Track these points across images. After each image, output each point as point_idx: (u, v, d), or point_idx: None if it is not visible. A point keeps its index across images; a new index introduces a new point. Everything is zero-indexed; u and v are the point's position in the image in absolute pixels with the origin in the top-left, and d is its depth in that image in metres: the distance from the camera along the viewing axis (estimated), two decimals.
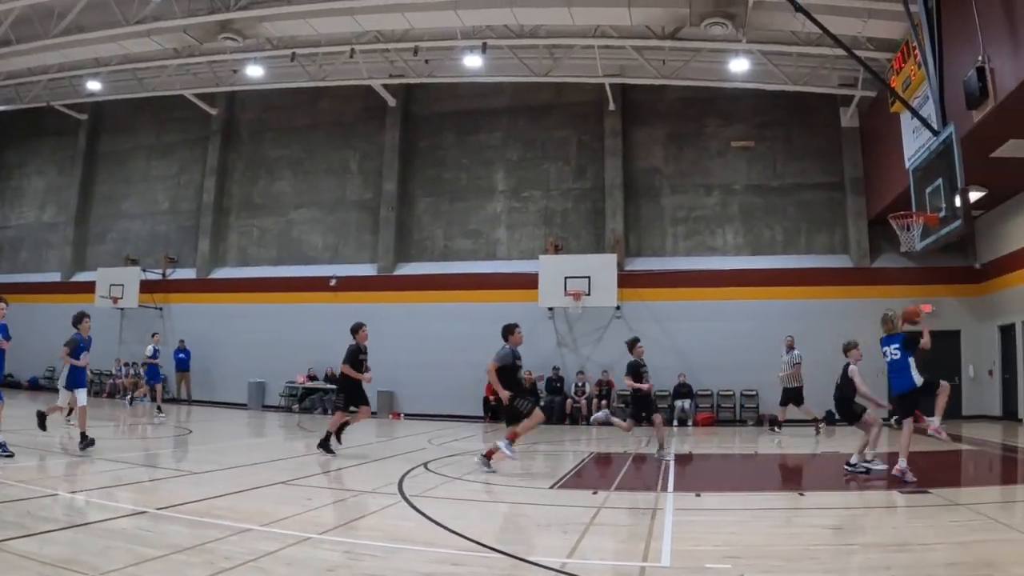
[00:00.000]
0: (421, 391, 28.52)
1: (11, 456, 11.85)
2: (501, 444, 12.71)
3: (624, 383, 16.03)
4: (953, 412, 25.53)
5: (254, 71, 27.83)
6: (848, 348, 13.87)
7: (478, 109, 31.44)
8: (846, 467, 12.90)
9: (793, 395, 21.46)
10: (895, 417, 23.75)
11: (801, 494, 11.00)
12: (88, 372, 16.55)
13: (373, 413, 27.99)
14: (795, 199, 28.56)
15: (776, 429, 22.01)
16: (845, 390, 13.64)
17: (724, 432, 23.81)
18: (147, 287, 32.45)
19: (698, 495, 10.96)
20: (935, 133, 16.86)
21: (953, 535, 7.97)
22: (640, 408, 15.94)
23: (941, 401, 12.66)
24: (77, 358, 14.60)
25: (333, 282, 30.65)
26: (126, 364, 31.06)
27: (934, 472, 12.66)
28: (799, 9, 16.39)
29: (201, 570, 6.20)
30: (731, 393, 26.71)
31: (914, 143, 20.42)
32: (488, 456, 12.85)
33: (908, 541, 7.78)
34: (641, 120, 30.07)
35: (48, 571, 5.93)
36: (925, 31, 17.01)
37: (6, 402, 12.99)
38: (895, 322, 12.99)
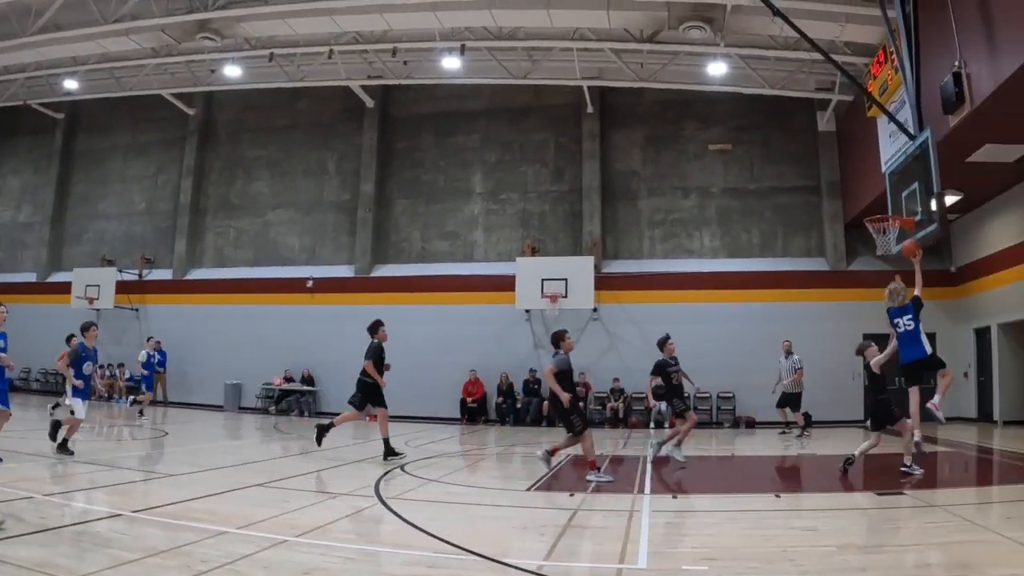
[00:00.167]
0: (398, 393, 28.35)
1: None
2: (591, 476, 12.35)
3: (642, 384, 15.67)
4: (929, 414, 25.71)
5: (232, 71, 27.76)
6: (863, 349, 13.84)
7: (456, 111, 31.43)
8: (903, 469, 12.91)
9: (793, 399, 21.44)
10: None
11: (778, 496, 11.02)
12: (96, 383, 16.34)
13: None
14: (772, 202, 28.67)
15: (787, 431, 21.82)
16: (879, 391, 13.67)
17: (701, 434, 23.81)
18: (123, 288, 32.24)
19: (675, 497, 11.01)
20: (911, 137, 16.96)
21: (929, 536, 8.02)
22: (677, 398, 15.71)
23: (946, 381, 12.79)
24: (80, 368, 14.33)
25: (310, 283, 30.57)
26: (101, 366, 30.91)
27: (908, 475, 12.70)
28: (777, 13, 16.44)
29: (177, 573, 6.18)
30: (707, 395, 26.76)
31: (891, 147, 20.53)
32: (592, 467, 12.66)
33: (884, 543, 7.83)
34: (619, 123, 30.12)
35: (23, 575, 5.90)
36: (902, 36, 17.12)
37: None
38: (903, 294, 13.10)
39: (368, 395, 15.62)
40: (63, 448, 13.41)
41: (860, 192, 25.33)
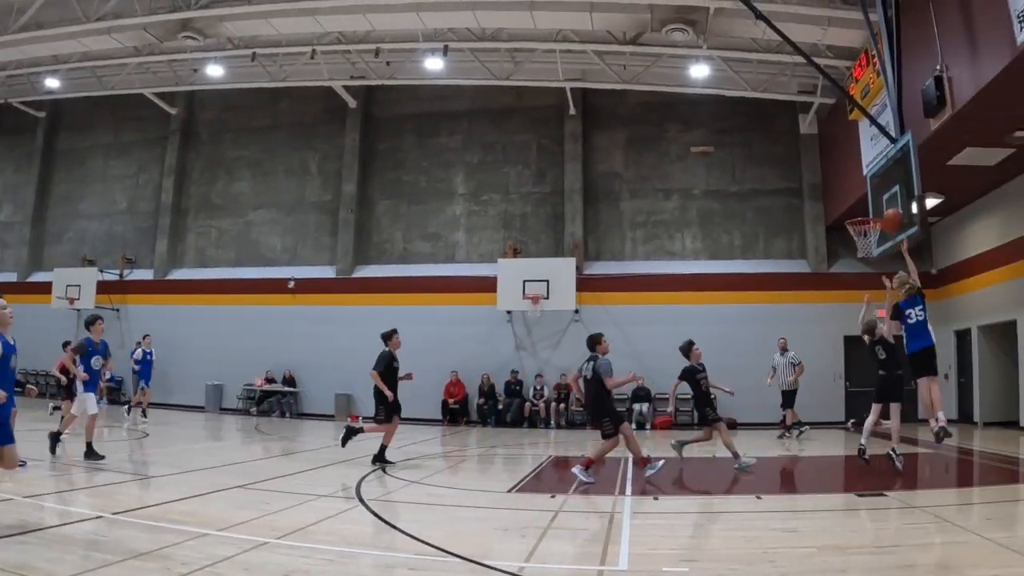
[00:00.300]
0: None
1: (24, 464, 11.07)
2: (577, 470, 12.38)
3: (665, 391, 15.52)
4: (910, 416, 25.80)
5: (214, 71, 27.68)
6: (874, 326, 14.36)
7: (438, 112, 31.41)
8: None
9: (789, 397, 21.46)
10: (852, 421, 24.14)
11: (759, 497, 11.05)
12: (104, 378, 16.12)
13: (331, 416, 28.00)
14: (753, 204, 28.74)
15: (795, 431, 21.76)
16: (896, 366, 14.10)
17: (681, 435, 23.87)
18: (104, 288, 32.10)
19: (656, 498, 11.00)
20: (893, 141, 17.02)
21: (909, 538, 8.07)
22: (708, 407, 15.64)
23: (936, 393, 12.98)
24: (88, 363, 14.03)
25: (291, 284, 30.50)
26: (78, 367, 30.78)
27: (890, 475, 12.75)
28: (759, 16, 16.48)
29: (158, 575, 6.18)
30: (688, 397, 26.73)
31: (872, 150, 20.61)
32: (586, 465, 12.58)
33: (865, 544, 7.86)
34: (601, 124, 30.17)
35: None
36: (884, 40, 17.17)
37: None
38: (907, 283, 13.38)
39: (388, 404, 15.12)
40: (91, 454, 13.14)
41: (841, 194, 25.41)
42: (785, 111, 28.32)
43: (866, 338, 14.74)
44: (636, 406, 26.24)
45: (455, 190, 30.96)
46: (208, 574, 6.26)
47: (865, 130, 21.57)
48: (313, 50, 26.08)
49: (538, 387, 27.47)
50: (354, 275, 30.64)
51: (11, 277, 34.87)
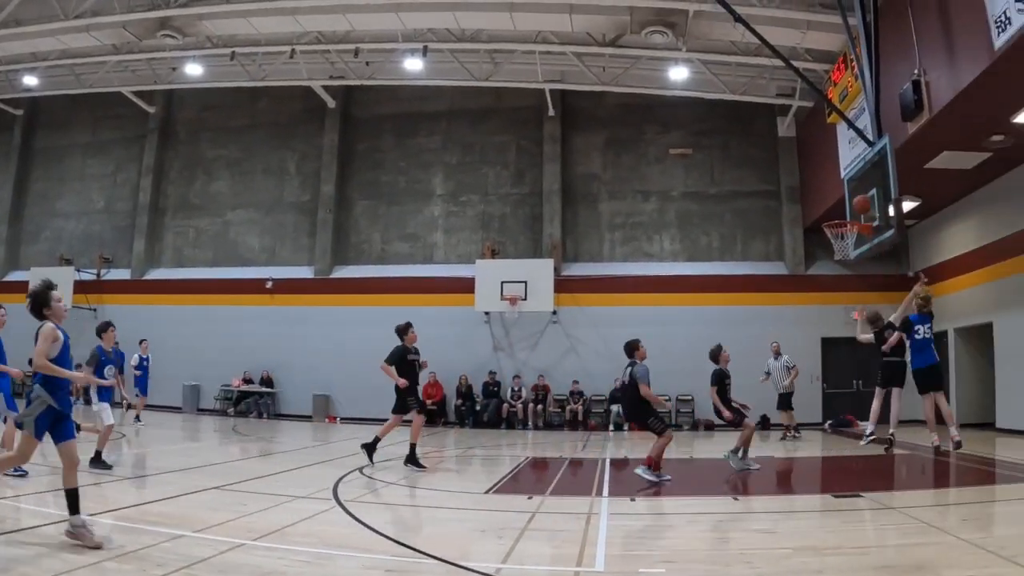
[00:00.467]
0: (357, 395, 28.39)
1: (24, 474, 10.83)
2: (640, 470, 12.52)
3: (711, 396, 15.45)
4: (886, 417, 25.91)
5: (193, 69, 27.57)
6: (877, 316, 14.76)
7: (418, 112, 31.41)
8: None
9: (786, 399, 21.52)
10: (829, 422, 24.27)
11: (736, 498, 11.08)
12: (120, 391, 15.90)
13: (308, 417, 27.95)
14: (732, 206, 28.84)
15: (795, 435, 21.79)
16: (899, 353, 14.85)
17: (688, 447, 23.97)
18: (81, 287, 31.92)
19: (633, 499, 11.01)
20: (870, 144, 17.10)
21: (886, 538, 8.10)
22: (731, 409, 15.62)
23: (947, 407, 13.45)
24: (101, 374, 13.64)
25: (269, 284, 30.42)
26: None
27: (866, 476, 12.81)
28: (738, 19, 16.54)
29: None
30: (667, 398, 26.81)
31: (850, 153, 20.70)
32: (649, 464, 12.61)
33: (841, 545, 7.87)
34: (580, 126, 30.23)
35: None
36: (863, 44, 17.26)
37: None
38: (928, 301, 13.69)
39: (414, 397, 14.83)
40: (98, 463, 12.66)
41: (819, 197, 25.53)
42: (764, 114, 28.47)
43: (870, 329, 15.04)
44: (614, 407, 26.27)
45: (434, 191, 30.96)
46: None
47: (843, 133, 21.66)
48: (292, 50, 26.02)
49: (516, 388, 27.50)
50: (332, 276, 30.61)
51: None
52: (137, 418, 23.54)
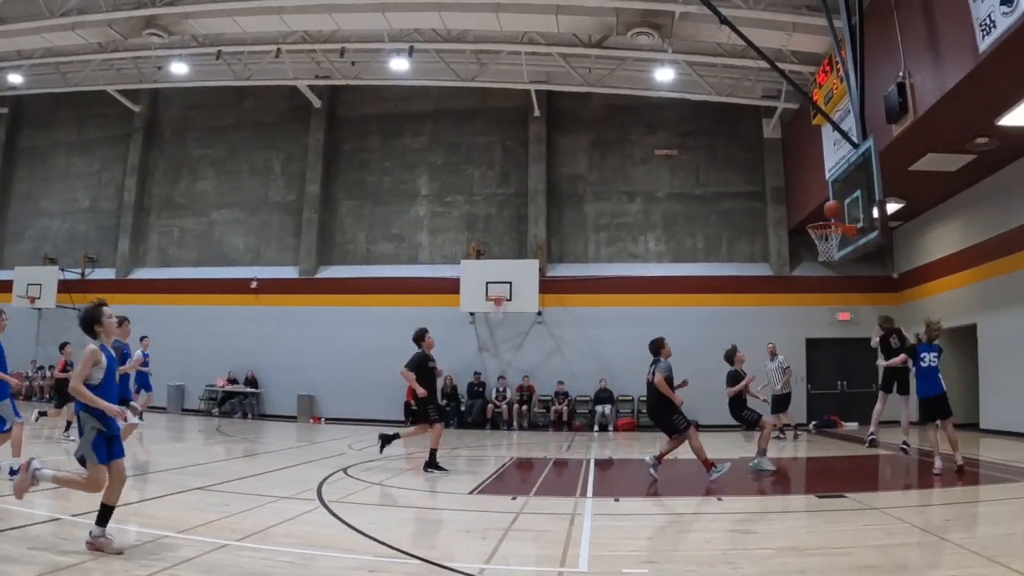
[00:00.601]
0: (342, 395, 28.39)
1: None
2: (710, 475, 12.65)
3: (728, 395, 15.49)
4: (870, 418, 26.03)
5: (178, 68, 27.46)
6: (890, 320, 15.66)
7: (403, 112, 31.39)
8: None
9: (784, 401, 21.55)
10: (813, 423, 24.30)
11: (719, 499, 11.10)
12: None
13: (292, 418, 27.89)
14: (717, 208, 28.89)
15: (782, 436, 21.81)
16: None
17: (645, 437, 23.93)
18: (65, 287, 31.73)
19: (617, 500, 11.03)
20: (855, 146, 17.12)
21: (868, 539, 8.11)
22: (742, 409, 15.60)
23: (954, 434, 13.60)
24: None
25: (254, 284, 30.35)
26: (41, 367, 30.57)
27: (850, 476, 12.85)
28: (724, 21, 16.57)
29: None
30: (686, 383, 26.84)
31: (835, 155, 20.79)
32: (708, 468, 12.77)
33: (824, 545, 7.90)
34: (566, 127, 30.25)
35: None
36: (848, 46, 17.28)
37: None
38: (936, 332, 13.76)
39: (435, 406, 14.74)
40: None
41: (804, 199, 25.59)
42: (749, 115, 28.52)
43: (879, 331, 15.33)
44: (599, 408, 26.33)
45: (419, 191, 30.93)
46: None
47: (828, 135, 21.74)
48: (278, 49, 25.98)
49: (500, 389, 27.49)
50: (317, 276, 30.57)
51: None
52: (140, 416, 23.47)
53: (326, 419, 28.14)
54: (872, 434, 14.28)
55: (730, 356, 15.23)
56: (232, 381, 29.46)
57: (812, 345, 26.88)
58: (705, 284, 27.79)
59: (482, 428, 26.68)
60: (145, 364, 23.78)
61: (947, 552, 7.39)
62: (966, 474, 12.75)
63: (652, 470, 12.75)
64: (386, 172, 31.26)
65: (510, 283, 26.95)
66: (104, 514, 7.12)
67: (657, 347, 13.49)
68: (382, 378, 27.05)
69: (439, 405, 15.10)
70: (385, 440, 14.77)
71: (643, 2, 21.38)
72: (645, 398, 14.10)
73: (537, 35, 24.81)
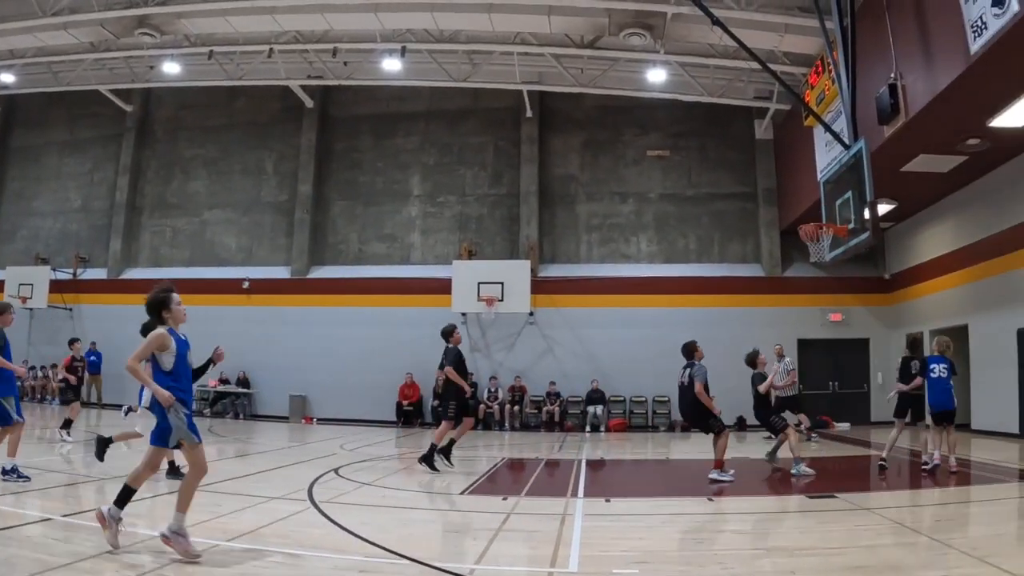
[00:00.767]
0: (334, 395, 28.37)
1: (28, 480, 10.87)
2: (713, 474, 12.79)
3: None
4: (862, 418, 26.12)
5: (171, 68, 27.47)
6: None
7: (395, 113, 31.39)
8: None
9: (791, 402, 21.47)
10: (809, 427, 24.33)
11: (711, 499, 11.11)
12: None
13: (284, 418, 27.86)
14: (709, 208, 28.92)
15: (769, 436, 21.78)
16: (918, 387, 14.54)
17: (636, 438, 23.98)
18: (57, 287, 31.72)
19: (608, 500, 11.04)
20: (847, 147, 17.17)
21: (860, 539, 8.11)
22: (770, 414, 15.56)
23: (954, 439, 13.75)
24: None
25: (246, 284, 30.30)
26: (32, 367, 30.50)
27: (841, 477, 12.88)
28: (716, 22, 16.56)
29: None
30: (643, 399, 26.92)
31: (826, 156, 20.82)
32: (718, 467, 12.90)
33: (815, 545, 7.90)
34: (558, 127, 30.27)
35: None
36: (840, 47, 17.32)
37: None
38: (947, 348, 13.91)
39: (460, 403, 14.58)
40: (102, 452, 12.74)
41: (796, 200, 25.64)
42: (741, 116, 28.56)
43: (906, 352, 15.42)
44: (591, 408, 26.33)
45: (411, 191, 30.92)
46: None
47: (820, 136, 21.75)
48: (270, 49, 25.98)
49: (492, 389, 27.47)
50: (309, 276, 30.53)
51: None
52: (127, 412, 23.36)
53: (318, 419, 28.10)
54: (883, 459, 14.23)
55: (752, 359, 15.24)
56: (224, 381, 29.37)
57: (804, 346, 26.89)
58: (697, 285, 27.80)
59: (474, 428, 26.62)
60: None
61: (938, 552, 7.40)
62: (957, 475, 12.79)
63: (719, 476, 12.74)
64: (378, 172, 31.24)
65: (502, 283, 26.95)
66: (126, 496, 7.17)
67: (690, 350, 13.54)
68: (374, 378, 27.11)
69: (466, 403, 14.87)
70: (444, 453, 14.37)
71: (635, 3, 21.42)
72: (677, 400, 14.10)
73: (529, 35, 24.82)
